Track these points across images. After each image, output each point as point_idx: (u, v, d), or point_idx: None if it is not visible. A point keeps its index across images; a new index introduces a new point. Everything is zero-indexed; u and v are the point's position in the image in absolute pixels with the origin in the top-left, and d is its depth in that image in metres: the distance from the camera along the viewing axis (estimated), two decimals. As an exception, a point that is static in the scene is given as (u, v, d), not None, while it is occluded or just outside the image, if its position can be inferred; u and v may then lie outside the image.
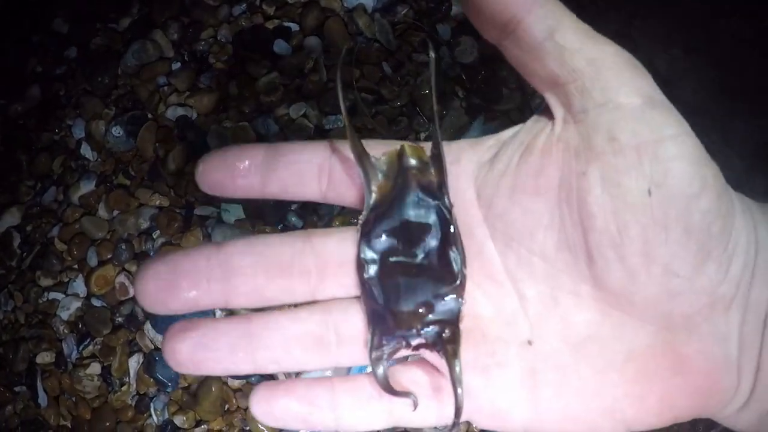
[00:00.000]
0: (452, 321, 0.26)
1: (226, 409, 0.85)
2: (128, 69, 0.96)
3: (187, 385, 0.86)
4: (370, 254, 0.27)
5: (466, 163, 0.29)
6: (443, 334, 0.26)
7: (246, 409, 0.84)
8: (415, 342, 0.27)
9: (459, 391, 0.25)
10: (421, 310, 0.26)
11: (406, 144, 0.29)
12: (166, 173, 0.90)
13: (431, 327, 0.26)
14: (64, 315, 0.90)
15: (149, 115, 0.94)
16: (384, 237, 0.27)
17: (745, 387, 0.25)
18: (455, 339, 0.26)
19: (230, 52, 0.95)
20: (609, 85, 0.23)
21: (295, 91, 0.92)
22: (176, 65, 0.96)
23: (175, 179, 0.91)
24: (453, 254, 0.27)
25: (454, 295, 0.27)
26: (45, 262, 0.92)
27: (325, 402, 0.27)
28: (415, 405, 0.26)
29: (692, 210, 0.23)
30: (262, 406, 0.27)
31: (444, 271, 0.27)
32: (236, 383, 0.85)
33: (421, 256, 0.27)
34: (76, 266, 0.92)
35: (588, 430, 0.26)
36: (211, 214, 0.89)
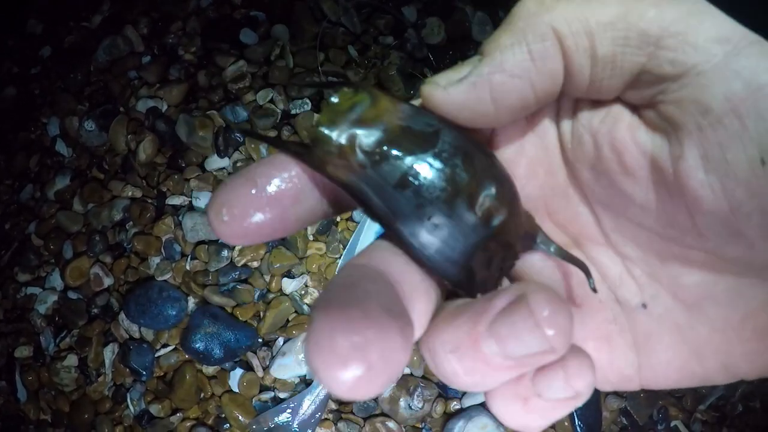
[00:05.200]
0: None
1: (201, 396, 0.85)
2: (100, 65, 0.98)
3: (162, 373, 0.86)
4: None
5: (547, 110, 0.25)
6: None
7: (221, 396, 0.84)
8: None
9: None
10: None
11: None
12: (138, 164, 0.91)
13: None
14: (42, 309, 0.90)
15: (120, 109, 0.94)
16: None
17: None
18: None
19: (198, 43, 0.96)
20: (683, 50, 0.19)
21: (262, 78, 0.92)
22: (146, 59, 0.97)
23: (147, 170, 0.91)
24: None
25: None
26: (22, 258, 0.93)
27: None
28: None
29: None
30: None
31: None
32: (210, 370, 0.85)
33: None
34: (52, 260, 0.92)
35: (702, 382, 0.25)
36: (183, 203, 0.89)
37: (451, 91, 0.21)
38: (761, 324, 0.23)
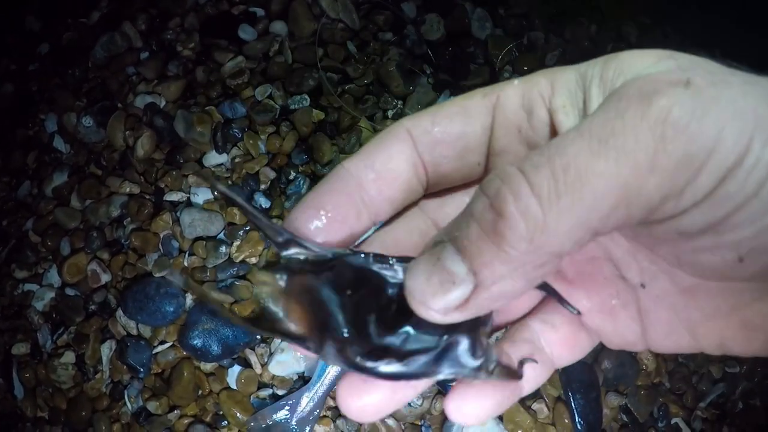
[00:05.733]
0: None
1: (199, 393, 0.84)
2: (98, 61, 0.98)
3: (159, 370, 0.85)
4: None
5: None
6: None
7: (219, 393, 0.83)
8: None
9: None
10: None
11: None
12: (136, 160, 0.91)
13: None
14: (39, 305, 0.90)
15: (118, 105, 0.94)
16: None
17: None
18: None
19: (197, 39, 0.95)
20: None
21: (260, 73, 0.92)
22: (144, 55, 0.97)
23: (145, 166, 0.91)
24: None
25: None
26: (20, 255, 0.93)
27: None
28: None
29: None
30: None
31: None
32: (208, 367, 0.84)
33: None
34: (50, 257, 0.92)
35: (698, 351, 0.27)
36: (180, 199, 0.89)
37: (453, 315, 0.22)
38: (748, 318, 0.25)
